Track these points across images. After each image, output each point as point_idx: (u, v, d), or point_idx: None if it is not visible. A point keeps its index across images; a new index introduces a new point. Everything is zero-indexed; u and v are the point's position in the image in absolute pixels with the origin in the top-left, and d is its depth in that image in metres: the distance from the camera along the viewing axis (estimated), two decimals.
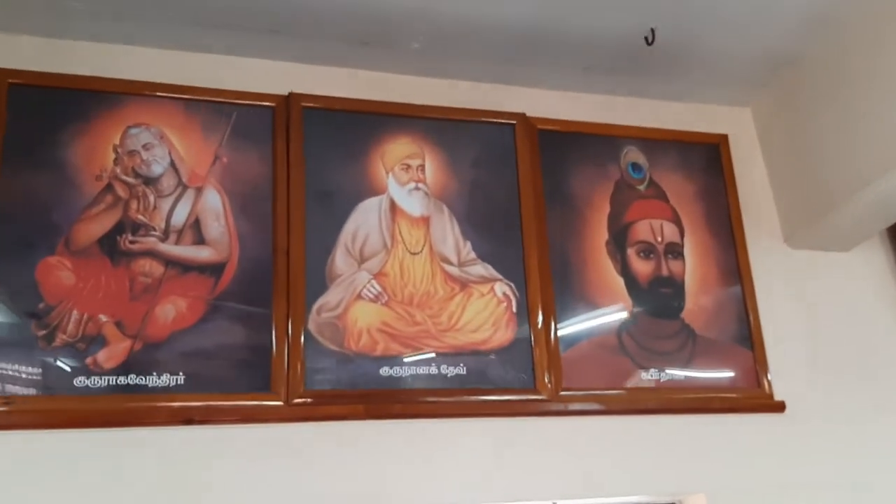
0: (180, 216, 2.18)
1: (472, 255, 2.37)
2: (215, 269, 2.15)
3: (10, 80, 2.14)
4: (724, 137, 2.78)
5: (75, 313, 2.01)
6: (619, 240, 2.54)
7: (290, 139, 2.31)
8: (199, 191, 2.22)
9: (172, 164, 2.22)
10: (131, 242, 2.11)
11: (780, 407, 2.44)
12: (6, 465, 1.87)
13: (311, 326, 2.16)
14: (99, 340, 2.01)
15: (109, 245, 2.09)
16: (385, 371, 2.18)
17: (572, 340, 2.37)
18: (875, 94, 2.34)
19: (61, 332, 1.99)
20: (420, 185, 2.41)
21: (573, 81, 2.66)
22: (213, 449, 2.00)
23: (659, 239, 2.58)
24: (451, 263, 2.35)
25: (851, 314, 2.64)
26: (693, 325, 2.50)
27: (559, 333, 2.36)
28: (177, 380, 2.02)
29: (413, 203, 2.38)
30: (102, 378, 1.98)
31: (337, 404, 2.11)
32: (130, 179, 2.17)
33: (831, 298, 2.65)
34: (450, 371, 2.22)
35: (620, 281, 2.49)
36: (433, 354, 2.23)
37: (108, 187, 2.14)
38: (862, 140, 2.38)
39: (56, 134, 2.14)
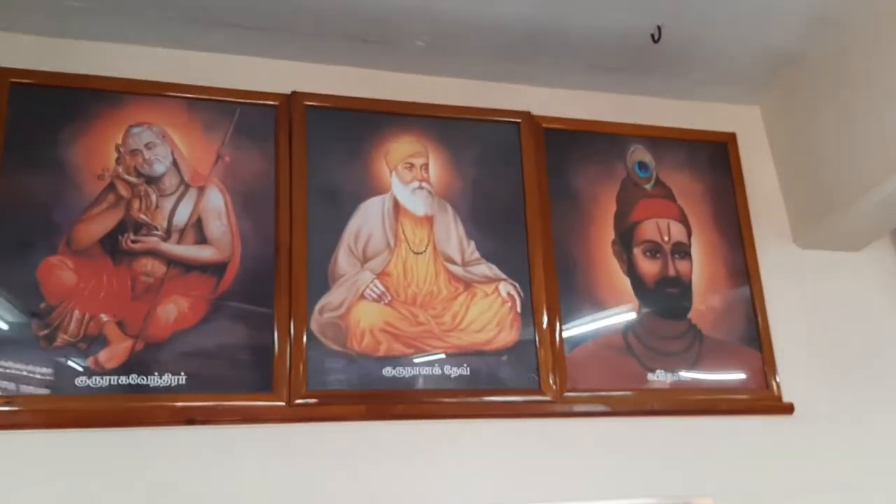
0: (182, 215, 2.17)
1: (476, 254, 2.35)
2: (217, 269, 2.14)
3: (12, 80, 2.13)
4: (732, 136, 2.75)
5: (77, 313, 2.00)
6: (625, 239, 2.52)
7: (293, 138, 2.30)
8: (201, 190, 2.21)
9: (175, 163, 2.21)
10: (133, 242, 2.10)
11: (788, 409, 2.41)
12: (7, 465, 1.86)
13: (314, 326, 2.14)
14: (100, 340, 2.00)
15: (111, 244, 2.09)
16: (388, 371, 2.16)
17: (577, 341, 2.35)
18: (883, 92, 2.31)
19: (62, 331, 1.98)
20: (424, 184, 2.39)
21: (579, 79, 2.64)
22: (215, 449, 1.99)
23: (666, 238, 2.56)
24: (454, 263, 2.33)
25: (862, 315, 2.61)
26: (700, 325, 2.48)
27: (564, 334, 2.33)
28: (178, 380, 2.01)
29: (416, 202, 2.37)
30: (104, 378, 1.97)
31: (339, 405, 2.10)
32: (132, 179, 2.16)
33: (841, 299, 2.62)
34: (453, 372, 2.21)
35: (626, 281, 2.47)
36: (436, 355, 2.21)
37: (110, 186, 2.14)
38: (871, 138, 2.35)
39: (58, 133, 2.13)
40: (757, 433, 2.36)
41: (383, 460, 2.08)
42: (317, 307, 2.17)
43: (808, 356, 2.51)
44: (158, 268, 2.10)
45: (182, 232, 2.15)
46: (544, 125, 2.55)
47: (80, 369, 1.96)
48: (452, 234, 2.36)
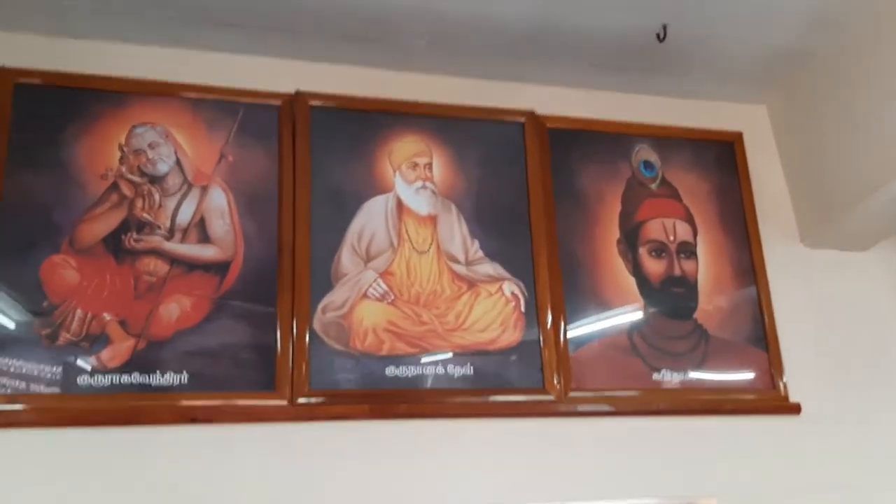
0: (185, 215, 2.17)
1: (480, 253, 2.34)
2: (220, 268, 2.14)
3: (17, 80, 2.14)
4: (739, 135, 2.74)
5: (79, 312, 2.01)
6: (630, 239, 2.50)
7: (297, 137, 2.30)
8: (204, 189, 2.21)
9: (178, 162, 2.21)
10: (136, 241, 2.11)
11: (795, 409, 2.39)
12: (10, 464, 1.86)
13: (317, 326, 2.14)
14: (103, 339, 2.00)
15: (114, 244, 2.09)
16: (391, 371, 2.15)
17: (582, 341, 2.34)
18: (891, 92, 2.29)
19: (65, 330, 1.98)
20: (427, 183, 2.38)
21: (584, 78, 2.62)
22: (217, 449, 1.98)
23: (671, 238, 2.54)
24: (458, 262, 2.32)
25: (869, 315, 2.59)
26: (706, 325, 2.46)
27: (569, 333, 2.32)
28: (181, 379, 2.01)
29: (420, 202, 2.36)
30: (106, 377, 1.97)
31: (342, 404, 2.09)
32: (136, 178, 2.17)
33: (849, 299, 2.60)
34: (457, 371, 2.20)
35: (632, 280, 2.45)
36: (440, 354, 2.20)
37: (114, 186, 2.14)
38: (879, 137, 2.33)
39: (62, 133, 2.14)
40: (763, 433, 2.34)
41: (386, 460, 2.07)
42: (320, 306, 2.16)
43: (815, 356, 2.49)
44: (161, 267, 2.10)
45: (185, 231, 2.15)
46: (549, 124, 2.54)
47: (83, 368, 1.97)
48: (456, 234, 2.35)
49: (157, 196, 2.16)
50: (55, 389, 1.93)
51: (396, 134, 2.41)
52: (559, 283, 2.36)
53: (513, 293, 2.32)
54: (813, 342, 2.51)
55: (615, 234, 2.50)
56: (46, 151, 2.12)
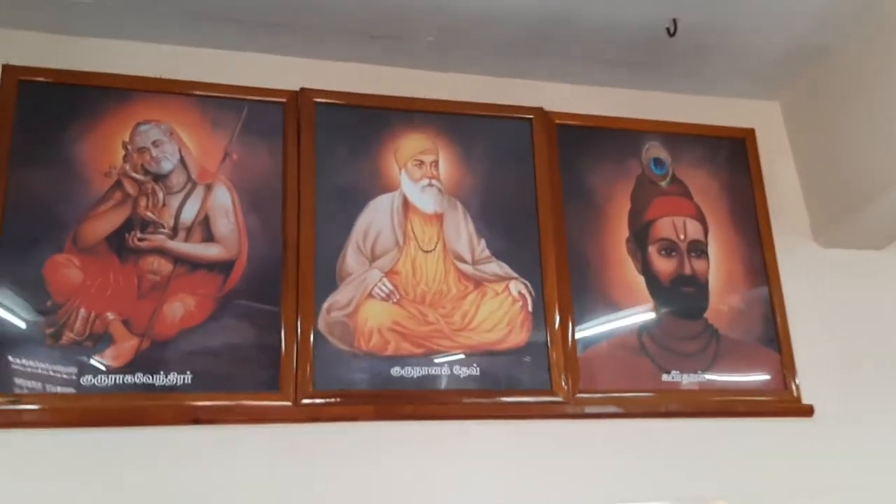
0: (189, 213, 2.15)
1: (487, 252, 2.32)
2: (224, 267, 2.12)
3: (20, 77, 2.13)
4: (751, 132, 2.70)
5: (83, 311, 1.99)
6: (639, 237, 2.47)
7: (301, 135, 2.28)
8: (208, 187, 2.19)
9: (182, 160, 2.20)
10: (140, 240, 2.09)
11: (808, 411, 2.36)
12: (12, 463, 1.85)
13: (321, 325, 2.12)
14: (106, 339, 1.99)
15: (118, 242, 2.08)
16: (396, 371, 2.13)
17: (590, 341, 2.31)
18: None
19: (69, 330, 1.97)
20: (433, 181, 2.36)
21: (593, 75, 2.59)
22: (220, 449, 1.97)
23: (681, 236, 2.51)
24: (464, 261, 2.29)
25: (884, 315, 2.55)
26: (717, 325, 2.43)
27: (577, 334, 2.29)
28: (184, 379, 2.00)
29: (426, 200, 2.33)
30: (109, 377, 1.96)
31: (346, 405, 2.08)
32: (139, 176, 2.15)
33: (863, 298, 2.55)
34: (463, 372, 2.17)
35: (641, 280, 2.42)
36: (446, 355, 2.18)
37: (117, 184, 2.13)
38: (894, 135, 2.29)
39: (65, 131, 2.13)
40: (775, 435, 2.31)
41: (391, 461, 2.05)
42: (324, 306, 2.14)
43: (829, 357, 2.45)
44: (165, 266, 2.09)
45: (189, 230, 2.14)
46: (557, 121, 2.51)
47: (86, 368, 1.95)
48: (462, 232, 2.32)
49: (160, 194, 2.15)
50: (59, 389, 1.92)
51: (402, 131, 2.38)
52: (567, 283, 2.33)
53: (520, 293, 2.29)
54: (826, 343, 2.47)
55: (624, 232, 2.46)
56: (50, 149, 2.10)
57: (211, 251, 2.13)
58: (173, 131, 2.22)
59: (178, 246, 2.12)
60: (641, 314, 2.38)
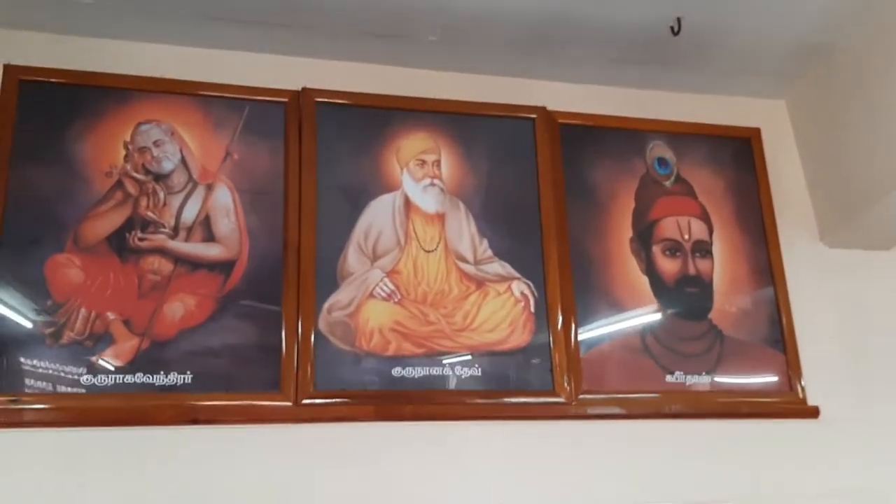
0: (190, 213, 2.15)
1: (489, 252, 2.30)
2: (225, 267, 2.12)
3: (22, 77, 2.14)
4: (756, 131, 2.68)
5: (83, 311, 1.99)
6: (643, 237, 2.45)
7: (303, 135, 2.27)
8: (209, 187, 2.19)
9: (183, 160, 2.20)
10: (140, 240, 2.09)
11: (813, 412, 2.34)
12: (13, 463, 1.85)
13: (322, 325, 2.11)
14: (106, 338, 1.99)
15: (118, 242, 2.08)
16: (397, 371, 2.12)
17: (593, 342, 2.30)
18: None
19: (69, 329, 1.97)
20: (435, 181, 2.35)
21: (596, 74, 2.57)
22: (221, 449, 1.96)
23: (686, 236, 2.49)
24: (466, 261, 2.28)
25: (891, 316, 2.52)
26: (721, 326, 2.41)
27: (579, 334, 2.28)
28: (184, 378, 2.00)
29: (428, 199, 2.32)
30: (109, 376, 1.96)
31: (347, 405, 2.07)
32: (140, 176, 2.15)
33: (869, 299, 2.53)
34: (464, 372, 2.16)
35: (645, 280, 2.40)
36: (447, 355, 2.17)
37: (118, 184, 2.13)
38: None
39: (66, 130, 2.13)
40: (780, 437, 2.29)
41: (392, 462, 2.04)
42: (325, 306, 2.14)
43: (835, 358, 2.43)
44: (165, 266, 2.08)
45: (190, 230, 2.13)
46: (560, 120, 2.50)
47: (86, 367, 1.95)
48: (464, 232, 2.31)
49: (161, 194, 2.15)
50: (59, 389, 1.92)
51: (404, 131, 2.38)
52: (570, 283, 2.32)
53: (522, 293, 2.28)
54: (832, 344, 2.45)
55: (628, 232, 2.45)
56: (51, 149, 2.11)
57: (211, 251, 2.13)
58: (174, 131, 2.21)
59: (179, 246, 2.11)
60: (645, 315, 2.37)
